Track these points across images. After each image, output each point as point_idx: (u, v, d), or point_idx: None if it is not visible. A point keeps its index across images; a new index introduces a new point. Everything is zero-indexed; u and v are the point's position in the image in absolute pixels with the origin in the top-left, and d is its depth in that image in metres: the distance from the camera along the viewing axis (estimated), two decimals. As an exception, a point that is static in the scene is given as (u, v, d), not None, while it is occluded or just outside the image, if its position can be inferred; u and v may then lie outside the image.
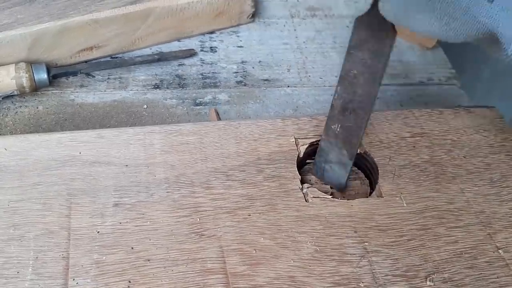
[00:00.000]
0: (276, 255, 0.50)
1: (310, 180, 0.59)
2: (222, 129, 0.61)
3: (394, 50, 0.85)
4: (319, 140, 0.60)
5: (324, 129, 0.57)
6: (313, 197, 0.55)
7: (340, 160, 0.56)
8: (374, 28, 0.46)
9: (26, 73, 0.69)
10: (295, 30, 0.88)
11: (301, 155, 0.59)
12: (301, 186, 0.56)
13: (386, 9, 0.43)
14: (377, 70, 0.49)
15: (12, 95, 0.70)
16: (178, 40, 0.83)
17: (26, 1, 0.75)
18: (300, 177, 0.57)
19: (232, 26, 0.87)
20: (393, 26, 0.47)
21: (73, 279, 0.47)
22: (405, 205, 0.55)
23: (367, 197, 0.57)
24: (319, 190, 0.56)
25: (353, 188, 0.60)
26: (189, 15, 0.81)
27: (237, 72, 0.80)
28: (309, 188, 0.56)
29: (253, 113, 0.74)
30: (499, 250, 0.53)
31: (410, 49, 0.87)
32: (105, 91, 0.75)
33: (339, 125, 0.54)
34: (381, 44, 0.47)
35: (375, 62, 0.48)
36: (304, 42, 0.86)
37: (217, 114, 0.72)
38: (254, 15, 0.88)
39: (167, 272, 0.48)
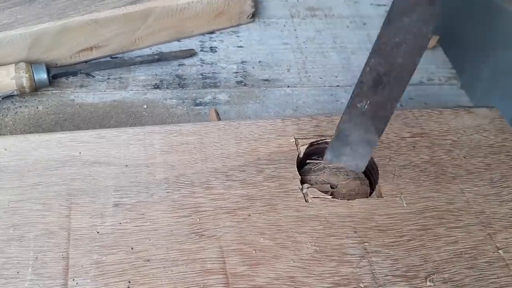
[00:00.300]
0: (276, 255, 0.50)
1: (310, 180, 0.59)
2: (222, 129, 0.61)
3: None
4: (319, 141, 0.60)
5: (347, 110, 0.51)
6: (313, 197, 0.55)
7: (365, 138, 0.52)
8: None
9: (26, 73, 0.69)
10: (295, 30, 0.88)
11: (301, 155, 0.59)
12: (301, 187, 0.56)
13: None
14: (425, 33, 0.44)
15: (12, 95, 0.70)
16: (178, 40, 0.83)
17: (26, 1, 0.75)
18: (300, 177, 0.57)
19: (232, 26, 0.87)
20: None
21: (73, 279, 0.47)
22: (405, 205, 0.55)
23: (367, 197, 0.57)
24: (319, 190, 0.56)
25: (353, 188, 0.60)
26: (189, 15, 0.81)
27: (237, 72, 0.80)
28: (309, 189, 0.56)
29: (253, 113, 0.74)
30: (499, 251, 0.53)
31: (410, 49, 0.87)
32: (105, 91, 0.75)
33: (368, 102, 0.49)
34: (433, 5, 0.43)
35: (423, 28, 0.44)
36: (304, 42, 0.86)
37: (217, 114, 0.72)
38: (254, 15, 0.88)
39: (167, 272, 0.48)
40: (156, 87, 0.76)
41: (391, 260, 0.51)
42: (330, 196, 0.56)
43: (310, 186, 0.56)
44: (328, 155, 0.54)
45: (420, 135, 0.62)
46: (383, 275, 0.50)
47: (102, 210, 0.52)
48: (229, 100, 0.75)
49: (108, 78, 0.77)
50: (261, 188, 0.55)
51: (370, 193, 0.58)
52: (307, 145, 0.60)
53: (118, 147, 0.58)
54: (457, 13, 0.97)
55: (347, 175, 0.60)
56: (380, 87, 0.48)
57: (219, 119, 0.71)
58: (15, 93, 0.70)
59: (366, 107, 0.50)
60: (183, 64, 0.80)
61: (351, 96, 0.50)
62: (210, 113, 0.72)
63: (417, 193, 0.57)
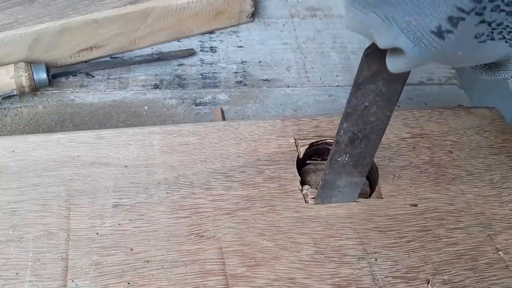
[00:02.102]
0: (275, 256, 0.50)
1: (310, 181, 0.59)
2: (222, 130, 0.61)
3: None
4: (318, 142, 0.60)
5: (328, 164, 0.52)
6: (313, 198, 0.55)
7: (351, 181, 0.54)
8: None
9: (26, 72, 0.69)
10: (295, 30, 0.88)
11: (301, 156, 0.59)
12: (301, 187, 0.56)
13: (396, 68, 0.40)
14: (393, 94, 0.46)
15: (11, 95, 0.70)
16: (178, 40, 0.83)
17: (26, 1, 0.74)
18: (300, 178, 0.57)
19: (231, 26, 0.87)
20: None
21: (72, 281, 0.47)
22: (405, 206, 0.55)
23: (367, 198, 0.57)
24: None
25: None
26: (188, 14, 0.80)
27: (237, 72, 0.80)
28: (309, 189, 0.56)
29: (253, 113, 0.74)
30: (499, 252, 0.53)
31: (410, 49, 0.87)
32: (104, 91, 0.75)
33: (347, 155, 0.51)
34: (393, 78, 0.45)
35: (391, 88, 0.45)
36: (304, 42, 0.86)
37: (222, 113, 0.72)
38: (253, 15, 0.88)
39: (166, 273, 0.48)
40: (156, 87, 0.76)
41: (391, 261, 0.51)
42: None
43: (310, 187, 0.56)
44: (318, 200, 0.55)
45: (420, 136, 0.62)
46: (383, 277, 0.49)
47: (102, 211, 0.52)
48: (229, 100, 0.75)
49: (108, 78, 0.77)
50: (261, 189, 0.55)
51: (370, 194, 0.58)
52: (307, 146, 0.60)
53: (117, 147, 0.58)
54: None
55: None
56: (356, 142, 0.50)
57: (223, 119, 0.71)
58: (15, 92, 0.70)
59: (346, 159, 0.52)
60: (183, 64, 0.80)
61: (330, 153, 0.52)
62: (215, 113, 0.72)
63: (417, 194, 0.57)
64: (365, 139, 0.50)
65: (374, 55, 0.42)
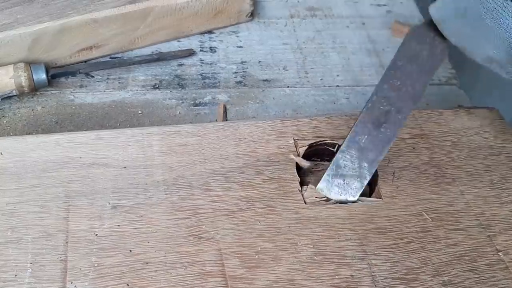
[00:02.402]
0: (275, 258, 0.50)
1: (309, 182, 0.59)
2: (221, 131, 0.61)
3: (393, 50, 0.85)
4: (318, 142, 0.60)
5: (346, 142, 0.53)
6: (312, 198, 0.55)
7: (358, 173, 0.54)
8: (426, 41, 0.46)
9: (25, 72, 0.69)
10: (295, 30, 0.88)
11: (301, 157, 0.59)
12: (300, 188, 0.56)
13: (449, 30, 0.42)
14: (422, 84, 0.48)
15: (10, 96, 0.70)
16: (178, 39, 0.83)
17: (26, 1, 0.74)
18: (299, 179, 0.57)
19: (231, 25, 0.87)
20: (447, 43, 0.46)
21: (71, 282, 0.47)
22: (404, 207, 0.55)
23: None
24: (318, 192, 0.56)
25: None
26: (188, 14, 0.80)
27: (237, 73, 0.80)
28: (309, 190, 0.55)
29: (252, 113, 0.73)
30: (499, 253, 0.52)
31: (410, 49, 0.86)
32: (104, 91, 0.75)
33: (366, 137, 0.52)
34: (433, 60, 0.46)
35: (422, 77, 0.48)
36: (304, 42, 0.86)
37: (225, 110, 0.71)
38: (253, 14, 0.87)
39: (166, 275, 0.48)
40: (156, 87, 0.76)
41: (390, 262, 0.51)
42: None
43: (309, 187, 0.56)
44: (322, 184, 0.55)
45: (419, 136, 0.62)
46: (382, 278, 0.49)
47: (101, 212, 0.52)
48: (228, 101, 0.75)
49: (108, 78, 0.76)
50: (260, 190, 0.55)
51: (370, 195, 0.58)
52: (307, 147, 0.59)
53: (116, 148, 0.57)
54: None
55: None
56: (378, 125, 0.52)
57: (225, 116, 0.71)
58: (14, 93, 0.70)
59: (364, 141, 0.53)
60: (183, 64, 0.80)
61: (351, 129, 0.53)
62: (218, 108, 0.72)
63: (416, 195, 0.56)
64: (387, 124, 0.52)
65: (420, 33, 0.46)
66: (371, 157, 0.54)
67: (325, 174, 0.55)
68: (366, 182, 0.55)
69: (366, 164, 0.54)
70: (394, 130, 0.52)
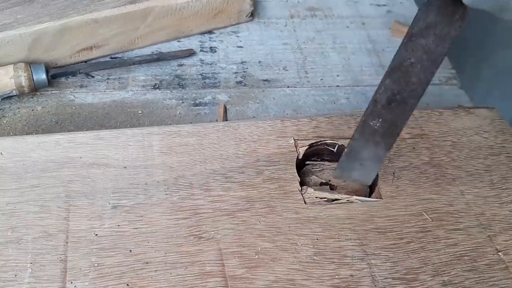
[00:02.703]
0: (275, 257, 0.50)
1: (309, 181, 0.59)
2: (221, 131, 0.61)
3: (394, 50, 0.85)
4: (318, 142, 0.60)
5: (359, 128, 0.51)
6: (312, 198, 0.55)
7: (375, 154, 0.52)
8: (446, 10, 0.44)
9: (25, 72, 0.69)
10: (295, 30, 0.88)
11: (300, 157, 0.59)
12: (300, 188, 0.56)
13: None
14: (439, 54, 0.46)
15: (11, 96, 0.70)
16: (178, 39, 0.83)
17: (26, 1, 0.74)
18: (299, 179, 0.57)
19: (231, 25, 0.87)
20: (465, 7, 0.44)
21: (71, 282, 0.47)
22: (404, 207, 0.55)
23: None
24: (318, 192, 0.56)
25: (353, 190, 0.59)
26: (188, 14, 0.80)
27: (237, 73, 0.80)
28: (309, 190, 0.55)
29: (252, 113, 0.73)
30: (499, 253, 0.52)
31: (410, 49, 0.86)
32: (104, 91, 0.75)
33: (380, 119, 0.50)
34: (450, 27, 0.44)
35: (439, 47, 0.45)
36: (304, 42, 0.86)
37: (225, 110, 0.71)
38: (253, 14, 0.88)
39: (166, 275, 0.48)
40: (156, 87, 0.76)
41: (390, 262, 0.51)
42: (330, 197, 0.56)
43: (309, 187, 0.56)
44: (337, 172, 0.54)
45: (420, 136, 0.62)
46: (382, 278, 0.49)
47: (101, 212, 0.52)
48: (228, 101, 0.75)
49: (108, 79, 0.76)
50: (261, 190, 0.55)
51: (370, 195, 0.58)
52: (307, 147, 0.59)
53: (116, 148, 0.57)
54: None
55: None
56: (393, 105, 0.49)
57: (225, 116, 0.71)
58: (14, 93, 0.70)
59: (378, 124, 0.50)
60: (183, 64, 0.80)
61: (363, 114, 0.50)
62: (218, 108, 0.72)
63: (416, 195, 0.56)
64: (402, 103, 0.49)
65: (434, 5, 0.43)
66: (387, 137, 0.52)
67: (339, 162, 0.54)
68: (382, 160, 0.54)
69: (383, 144, 0.52)
70: (412, 104, 0.49)
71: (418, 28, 0.45)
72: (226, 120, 0.70)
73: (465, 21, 0.44)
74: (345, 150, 0.53)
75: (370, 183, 0.56)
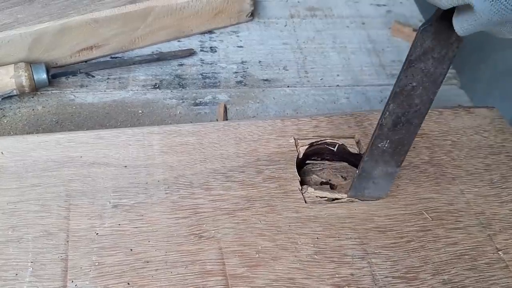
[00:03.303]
0: (275, 256, 0.50)
1: (309, 181, 0.59)
2: (222, 130, 0.61)
3: (393, 50, 0.85)
4: (318, 141, 0.60)
5: (368, 150, 0.53)
6: (312, 198, 0.55)
7: (386, 171, 0.54)
8: (441, 36, 0.45)
9: (25, 72, 0.69)
10: (295, 30, 0.88)
11: (301, 156, 0.59)
12: (300, 187, 0.56)
13: (464, 29, 0.41)
14: (439, 75, 0.47)
15: (11, 95, 0.70)
16: (178, 39, 0.83)
17: (26, 1, 0.74)
18: (299, 178, 0.57)
19: (231, 25, 0.87)
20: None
21: (72, 281, 0.47)
22: (404, 206, 0.55)
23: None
24: (319, 191, 0.56)
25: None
26: (188, 13, 0.80)
27: (237, 72, 0.80)
28: (309, 189, 0.56)
29: (253, 113, 0.73)
30: (499, 252, 0.53)
31: (410, 49, 0.87)
32: (105, 91, 0.75)
33: (388, 141, 0.52)
34: (448, 49, 0.46)
35: (438, 68, 0.47)
36: (304, 42, 0.86)
37: (225, 110, 0.71)
38: (253, 14, 0.88)
39: (166, 274, 0.48)
40: (156, 87, 0.76)
41: (390, 261, 0.51)
42: (330, 196, 0.56)
43: (309, 187, 0.56)
44: (351, 192, 0.55)
45: (419, 136, 0.62)
46: (382, 276, 0.49)
47: (101, 211, 0.52)
48: (229, 100, 0.75)
49: (108, 78, 0.77)
50: (261, 189, 0.55)
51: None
52: (307, 146, 0.60)
53: (117, 147, 0.58)
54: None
55: (347, 176, 0.60)
56: (399, 127, 0.51)
57: (226, 115, 0.71)
58: (15, 92, 0.70)
59: (386, 145, 0.52)
60: (183, 64, 0.80)
61: (371, 138, 0.52)
62: (218, 108, 0.72)
63: (416, 194, 0.57)
64: (407, 124, 0.51)
65: (429, 31, 0.44)
66: (397, 155, 0.53)
67: (352, 183, 0.55)
68: (395, 176, 0.55)
69: (393, 162, 0.54)
70: (417, 123, 0.51)
71: (416, 54, 0.46)
72: (227, 120, 0.70)
73: (462, 41, 0.45)
74: (357, 172, 0.54)
75: (385, 197, 0.56)
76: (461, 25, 0.39)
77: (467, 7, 0.37)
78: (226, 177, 0.56)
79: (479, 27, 0.38)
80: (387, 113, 0.50)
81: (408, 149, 0.53)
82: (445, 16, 0.42)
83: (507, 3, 0.35)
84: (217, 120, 0.71)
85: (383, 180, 0.55)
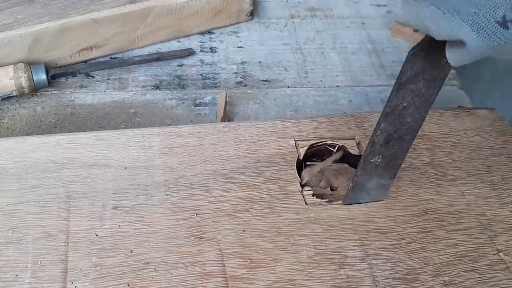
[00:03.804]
0: (275, 258, 0.50)
1: (309, 182, 0.59)
2: (222, 131, 0.61)
3: (394, 51, 0.85)
4: (318, 143, 0.60)
5: (361, 165, 0.53)
6: (313, 199, 0.55)
7: (380, 183, 0.54)
8: (432, 58, 0.45)
9: (25, 73, 0.69)
10: (295, 30, 0.88)
11: (301, 157, 0.59)
12: (300, 189, 0.56)
13: (456, 60, 0.41)
14: (430, 95, 0.47)
15: (10, 96, 0.70)
16: (178, 39, 0.83)
17: (26, 1, 0.74)
18: (300, 179, 0.57)
19: (231, 25, 0.87)
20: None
21: (72, 283, 0.47)
22: (405, 207, 0.55)
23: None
24: (319, 192, 0.56)
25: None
26: (188, 13, 0.80)
27: (237, 73, 0.80)
28: (309, 191, 0.55)
29: (253, 114, 0.73)
30: (499, 253, 0.53)
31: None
32: (104, 91, 0.75)
33: (380, 156, 0.52)
34: (439, 71, 0.46)
35: (430, 89, 0.47)
36: (304, 42, 0.86)
37: (226, 100, 0.71)
38: (252, 14, 0.88)
39: (166, 275, 0.48)
40: (156, 87, 0.76)
41: (391, 262, 0.51)
42: (331, 196, 0.56)
43: (310, 188, 0.56)
44: (346, 201, 0.56)
45: (420, 137, 0.62)
46: (383, 278, 0.49)
47: (101, 213, 0.52)
48: (229, 101, 0.75)
49: (108, 79, 0.76)
50: (261, 191, 0.55)
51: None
52: (307, 147, 0.59)
53: (117, 149, 0.57)
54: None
55: (347, 178, 0.60)
56: (391, 143, 0.51)
57: (226, 106, 0.70)
58: (14, 93, 0.70)
59: (379, 160, 0.52)
60: (183, 65, 0.80)
61: (364, 153, 0.52)
62: (219, 98, 0.71)
63: (417, 195, 0.56)
64: (399, 140, 0.51)
65: (419, 55, 0.44)
66: (390, 168, 0.54)
67: (347, 194, 0.55)
68: (389, 187, 0.55)
69: (386, 175, 0.54)
70: (409, 139, 0.51)
71: (406, 77, 0.46)
72: (226, 109, 0.70)
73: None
74: (350, 185, 0.54)
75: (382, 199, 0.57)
76: (454, 56, 0.40)
77: (460, 42, 0.38)
78: (226, 178, 0.56)
79: (472, 59, 0.39)
80: (379, 131, 0.50)
81: (401, 162, 0.53)
82: (437, 41, 0.42)
83: (499, 39, 0.36)
84: (217, 113, 0.71)
85: (377, 191, 0.55)
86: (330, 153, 0.61)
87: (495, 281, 0.50)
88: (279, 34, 0.87)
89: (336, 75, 0.81)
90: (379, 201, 0.56)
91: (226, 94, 0.70)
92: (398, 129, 0.50)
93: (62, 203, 0.52)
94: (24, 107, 0.71)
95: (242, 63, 0.81)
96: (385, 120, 0.49)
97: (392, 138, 0.51)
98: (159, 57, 0.79)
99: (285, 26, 0.89)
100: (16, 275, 0.47)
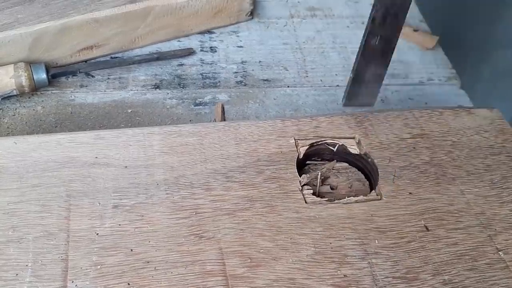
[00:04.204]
0: (275, 257, 0.50)
1: (309, 181, 0.59)
2: (222, 130, 0.61)
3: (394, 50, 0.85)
4: (319, 142, 0.60)
5: (362, 50, 0.58)
6: (313, 198, 0.55)
7: (375, 73, 0.59)
8: None
9: (25, 72, 0.69)
10: (295, 30, 0.88)
11: (301, 156, 0.59)
12: (301, 188, 0.56)
13: None
14: None
15: (11, 95, 0.70)
16: (178, 39, 0.83)
17: (26, 1, 0.75)
18: (300, 178, 0.57)
19: (231, 24, 0.87)
20: None
21: (72, 281, 0.47)
22: (405, 206, 0.55)
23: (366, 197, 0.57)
24: (319, 191, 0.56)
25: (353, 189, 0.59)
26: (188, 13, 0.81)
27: (237, 72, 0.80)
28: (309, 190, 0.55)
29: (253, 113, 0.74)
30: (499, 252, 0.52)
31: (410, 49, 0.87)
32: (105, 91, 0.75)
33: (379, 36, 0.58)
34: None
35: None
36: (304, 42, 0.86)
37: (223, 110, 0.71)
38: (252, 13, 0.88)
39: (166, 274, 0.48)
40: (156, 87, 0.76)
41: (391, 261, 0.51)
42: (330, 196, 0.56)
43: (310, 187, 0.56)
44: (345, 101, 0.60)
45: (420, 136, 0.62)
46: (383, 277, 0.49)
47: (102, 212, 0.52)
48: (229, 100, 0.75)
49: (108, 78, 0.77)
50: (261, 190, 0.55)
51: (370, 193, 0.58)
52: (307, 146, 0.60)
53: (117, 148, 0.57)
54: (457, 13, 0.97)
55: (347, 177, 0.60)
56: (388, 20, 0.58)
57: (223, 116, 0.70)
58: (15, 93, 0.70)
59: (377, 42, 0.58)
60: (183, 64, 0.80)
61: (364, 35, 0.59)
62: (216, 108, 0.72)
63: (417, 194, 0.56)
64: (394, 18, 0.58)
65: None
66: (384, 55, 0.60)
67: (346, 91, 0.61)
68: (383, 77, 0.61)
69: (381, 63, 0.60)
70: (401, 17, 0.59)
71: None
72: (224, 119, 0.70)
73: None
74: (350, 77, 0.61)
75: (373, 104, 0.60)
76: None
77: None
78: (226, 177, 0.56)
79: None
80: (378, 5, 0.58)
81: (394, 47, 0.60)
82: None
83: None
84: (215, 120, 0.71)
85: (373, 83, 0.60)
86: (330, 152, 0.61)
87: (495, 280, 0.50)
88: (279, 34, 0.87)
89: (336, 75, 0.81)
90: (372, 105, 0.58)
91: (222, 106, 0.71)
92: (393, 3, 0.57)
93: (62, 202, 0.52)
94: (24, 107, 0.71)
95: (242, 62, 0.81)
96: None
97: (389, 14, 0.57)
98: (159, 57, 0.79)
99: (285, 25, 0.89)
100: (17, 274, 0.47)
